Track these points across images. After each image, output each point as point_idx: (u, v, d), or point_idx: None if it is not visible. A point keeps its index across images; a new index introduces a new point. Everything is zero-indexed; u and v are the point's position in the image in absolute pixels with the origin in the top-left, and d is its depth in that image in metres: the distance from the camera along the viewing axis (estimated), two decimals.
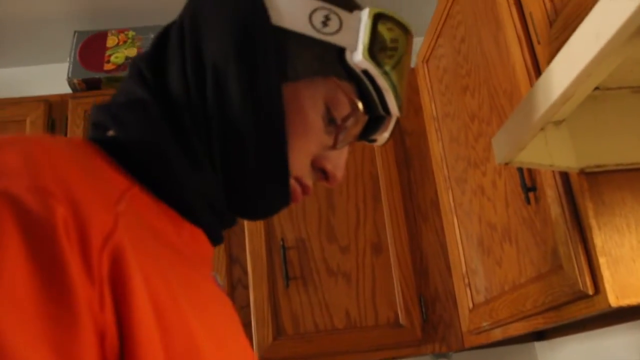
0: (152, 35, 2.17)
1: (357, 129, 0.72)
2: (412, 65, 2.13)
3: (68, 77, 2.10)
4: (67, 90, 2.18)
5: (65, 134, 1.99)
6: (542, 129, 0.89)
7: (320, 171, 0.70)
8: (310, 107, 0.65)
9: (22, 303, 0.38)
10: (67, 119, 2.01)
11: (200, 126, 0.62)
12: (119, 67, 2.12)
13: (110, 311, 0.42)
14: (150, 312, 0.46)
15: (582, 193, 1.02)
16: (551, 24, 1.07)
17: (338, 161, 0.70)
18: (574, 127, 0.99)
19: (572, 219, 1.05)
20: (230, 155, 0.63)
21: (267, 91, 0.63)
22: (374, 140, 0.78)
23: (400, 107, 0.70)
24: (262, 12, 0.64)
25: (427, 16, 2.33)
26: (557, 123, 0.98)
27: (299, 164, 0.66)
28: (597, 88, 0.95)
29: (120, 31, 2.20)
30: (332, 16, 0.66)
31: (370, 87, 0.68)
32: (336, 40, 0.66)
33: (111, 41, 2.18)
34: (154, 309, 0.46)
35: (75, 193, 0.44)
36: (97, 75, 2.10)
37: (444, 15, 1.70)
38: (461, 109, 1.62)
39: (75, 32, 2.21)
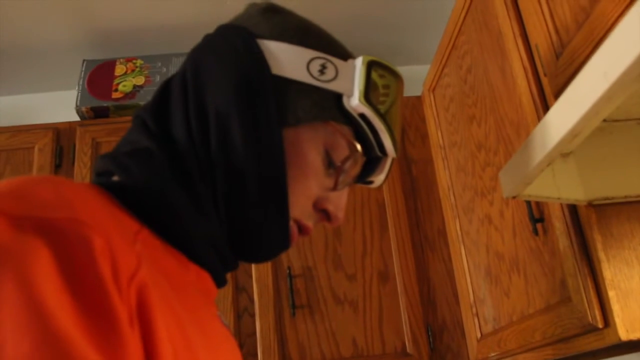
0: (159, 64, 2.19)
1: (355, 171, 0.74)
2: (419, 93, 2.15)
3: (76, 105, 2.12)
4: (75, 118, 2.19)
5: (73, 162, 2.00)
6: (549, 163, 0.89)
7: (323, 212, 0.72)
8: (310, 150, 0.68)
9: (68, 327, 0.39)
10: (75, 146, 2.02)
11: (205, 172, 0.64)
12: (126, 95, 2.13)
13: (138, 339, 0.44)
14: (170, 350, 0.47)
15: (591, 225, 1.01)
16: (557, 56, 1.07)
17: (339, 202, 0.73)
18: (582, 159, 0.99)
19: (580, 251, 1.05)
20: (233, 199, 0.65)
21: (268, 137, 0.65)
22: (371, 182, 0.80)
23: (395, 148, 0.73)
24: (262, 62, 0.67)
25: (433, 44, 2.35)
26: (565, 155, 0.98)
27: (300, 206, 0.69)
28: (604, 120, 0.95)
29: (129, 60, 2.22)
30: (328, 65, 0.70)
31: (367, 130, 0.71)
32: (333, 86, 0.69)
33: (119, 70, 2.20)
34: (171, 346, 0.48)
35: (105, 227, 0.46)
36: (105, 103, 2.12)
37: (449, 45, 1.71)
38: (468, 138, 1.62)
39: (83, 60, 2.24)
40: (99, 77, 2.18)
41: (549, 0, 1.10)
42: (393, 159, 0.78)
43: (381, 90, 0.72)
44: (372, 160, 0.77)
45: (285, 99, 0.67)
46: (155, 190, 0.59)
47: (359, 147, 0.71)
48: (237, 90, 0.66)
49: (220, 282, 0.68)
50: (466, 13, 1.57)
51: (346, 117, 0.70)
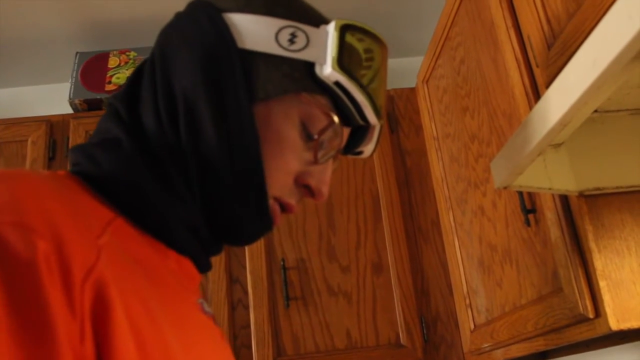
0: None
1: (338, 142, 0.71)
2: (413, 85, 2.14)
3: (69, 98, 2.11)
4: (68, 110, 2.19)
5: (66, 155, 1.99)
6: (540, 153, 0.89)
7: (305, 188, 0.70)
8: (284, 125, 0.66)
9: None
10: (68, 139, 2.01)
11: (176, 158, 0.62)
12: (120, 87, 2.12)
13: (90, 344, 0.43)
14: (132, 343, 0.46)
15: (582, 216, 1.02)
16: (549, 47, 1.07)
17: (322, 176, 0.70)
18: (573, 149, 0.99)
19: (571, 241, 1.05)
20: (208, 183, 0.63)
21: (237, 115, 0.63)
22: (360, 152, 0.78)
23: (378, 115, 0.70)
24: (227, 37, 0.65)
25: (427, 36, 2.35)
26: (556, 146, 0.99)
27: (279, 184, 0.66)
28: (595, 111, 0.96)
29: (122, 52, 2.22)
30: (299, 33, 0.67)
31: (345, 98, 0.68)
32: (304, 56, 0.66)
33: (113, 62, 2.19)
34: (136, 339, 0.47)
35: (58, 227, 0.44)
36: (98, 95, 2.11)
37: (443, 37, 1.71)
38: (461, 129, 1.62)
39: (77, 52, 2.23)
40: (92, 69, 2.18)
41: None
42: (382, 127, 0.75)
43: (363, 55, 0.69)
44: (359, 130, 0.75)
45: (254, 73, 0.64)
46: (125, 180, 0.58)
47: (335, 118, 0.67)
48: (203, 70, 0.64)
49: (203, 267, 0.66)
50: (459, 4, 1.56)
51: (322, 86, 0.67)
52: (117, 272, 0.48)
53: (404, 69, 2.44)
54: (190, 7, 0.70)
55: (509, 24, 1.25)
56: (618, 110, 0.97)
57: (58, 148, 2.02)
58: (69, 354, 0.41)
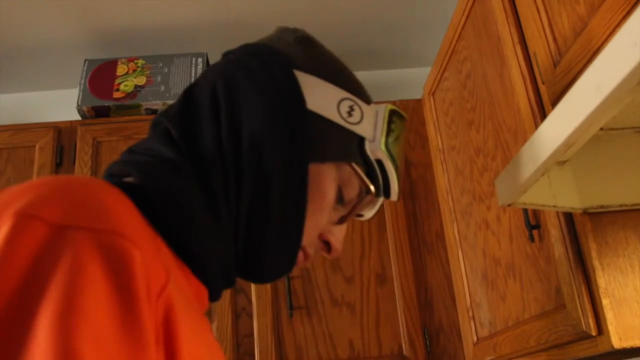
0: (161, 64, 2.20)
1: (361, 208, 0.76)
2: (419, 96, 2.15)
3: (78, 105, 2.13)
4: (76, 117, 2.20)
5: (74, 161, 2.01)
6: (544, 173, 0.89)
7: (324, 243, 0.75)
8: (328, 187, 0.70)
9: (105, 340, 0.41)
10: (75, 145, 2.03)
11: (230, 192, 0.65)
12: (128, 95, 2.14)
13: (162, 354, 0.46)
14: None
15: (586, 233, 1.02)
16: (555, 65, 1.08)
17: (340, 235, 0.75)
18: (578, 167, 1.00)
19: (575, 258, 1.05)
20: (253, 222, 0.66)
21: (297, 170, 0.67)
22: (361, 215, 0.82)
23: (399, 193, 0.77)
24: (299, 96, 0.68)
25: (435, 47, 2.35)
26: (561, 163, 0.99)
27: (309, 236, 0.70)
28: (601, 128, 0.96)
29: (130, 60, 2.23)
30: (356, 107, 0.72)
31: (379, 174, 0.74)
32: (358, 129, 0.72)
33: (121, 70, 2.20)
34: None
35: (141, 240, 0.47)
36: (106, 103, 2.13)
37: (450, 50, 1.72)
38: (466, 142, 1.63)
39: (85, 60, 2.25)
40: (100, 76, 2.19)
41: (548, 8, 1.11)
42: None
43: (392, 137, 0.75)
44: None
45: (317, 134, 0.68)
46: (179, 203, 0.60)
47: (373, 189, 0.73)
48: (273, 119, 0.67)
49: (215, 299, 0.69)
50: (466, 18, 1.57)
51: (364, 159, 0.73)
52: (176, 295, 0.50)
53: (410, 80, 2.45)
54: (258, 52, 0.72)
55: (516, 39, 1.25)
56: (623, 129, 0.98)
57: (65, 154, 2.03)
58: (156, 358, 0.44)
